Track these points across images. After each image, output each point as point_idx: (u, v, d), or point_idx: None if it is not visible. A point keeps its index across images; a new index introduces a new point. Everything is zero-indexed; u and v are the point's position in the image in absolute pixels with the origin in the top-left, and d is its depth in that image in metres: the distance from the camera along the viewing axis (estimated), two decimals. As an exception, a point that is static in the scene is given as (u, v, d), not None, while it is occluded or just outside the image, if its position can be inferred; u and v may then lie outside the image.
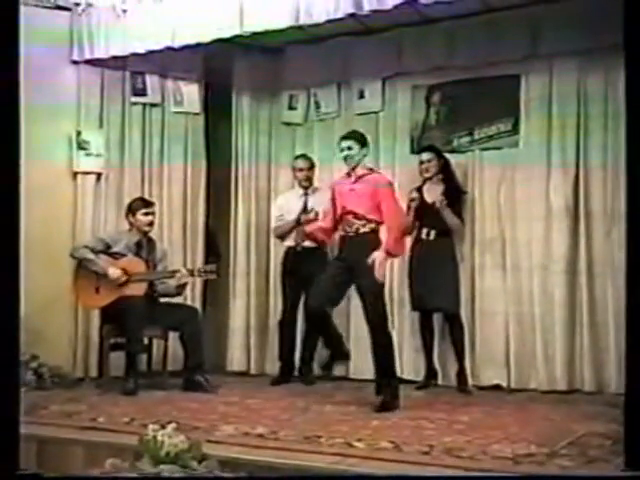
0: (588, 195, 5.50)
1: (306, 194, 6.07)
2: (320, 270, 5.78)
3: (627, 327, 2.71)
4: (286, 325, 6.04)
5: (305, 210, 5.95)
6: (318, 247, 5.87)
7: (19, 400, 2.82)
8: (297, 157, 6.25)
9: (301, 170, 6.09)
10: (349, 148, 4.81)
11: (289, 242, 6.02)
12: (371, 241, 4.72)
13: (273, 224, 6.20)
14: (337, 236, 5.01)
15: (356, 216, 4.73)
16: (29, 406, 4.27)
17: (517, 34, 5.62)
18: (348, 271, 4.74)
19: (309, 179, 6.10)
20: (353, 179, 4.82)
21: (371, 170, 4.93)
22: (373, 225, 4.74)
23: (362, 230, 4.72)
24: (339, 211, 4.83)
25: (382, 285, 4.75)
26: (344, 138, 4.90)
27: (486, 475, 2.92)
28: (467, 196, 5.81)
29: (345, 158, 4.83)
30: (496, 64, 5.78)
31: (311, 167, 6.12)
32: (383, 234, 4.78)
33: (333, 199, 4.94)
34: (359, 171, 4.82)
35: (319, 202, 5.81)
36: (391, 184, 4.92)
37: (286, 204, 6.12)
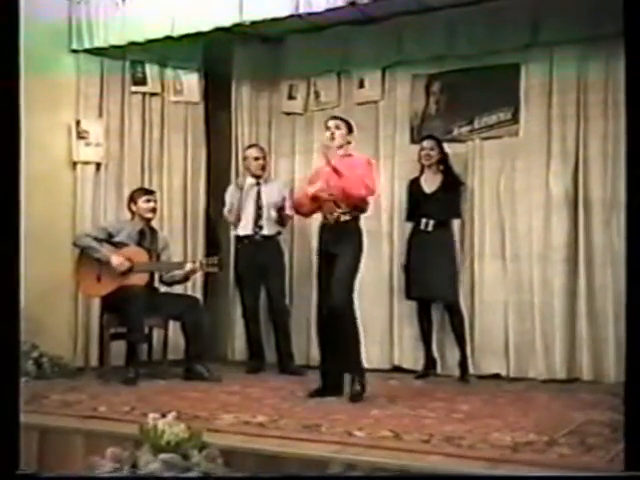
0: (588, 184, 5.50)
1: (258, 183, 6.08)
2: (276, 259, 5.98)
3: (627, 316, 2.71)
4: (250, 317, 6.07)
5: (259, 199, 5.99)
6: (274, 236, 6.00)
7: (19, 399, 2.81)
8: (250, 146, 6.27)
9: (256, 159, 6.10)
10: (337, 127, 4.79)
11: (245, 231, 6.01)
12: (351, 229, 4.67)
13: (225, 213, 6.15)
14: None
15: (336, 203, 4.66)
16: (30, 396, 4.30)
17: (517, 22, 5.61)
18: (329, 260, 4.67)
19: (263, 168, 6.13)
20: (333, 163, 4.71)
21: (350, 155, 4.83)
22: (354, 213, 4.68)
23: (343, 218, 4.66)
24: (321, 196, 4.71)
25: (355, 271, 4.63)
26: (334, 117, 4.94)
27: (490, 474, 2.92)
28: (466, 186, 5.81)
29: (331, 135, 4.77)
30: (496, 53, 5.77)
31: (265, 156, 6.17)
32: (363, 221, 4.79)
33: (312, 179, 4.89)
34: (340, 153, 4.74)
35: (272, 191, 5.99)
36: (370, 163, 4.87)
37: (237, 194, 6.09)
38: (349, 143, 4.85)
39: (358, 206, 4.73)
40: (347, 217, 4.67)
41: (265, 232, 5.98)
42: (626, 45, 2.72)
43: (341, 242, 4.63)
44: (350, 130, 4.87)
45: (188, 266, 5.57)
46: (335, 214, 4.67)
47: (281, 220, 6.02)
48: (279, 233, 6.08)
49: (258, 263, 5.95)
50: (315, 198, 4.77)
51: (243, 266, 6.08)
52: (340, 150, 4.78)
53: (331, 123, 4.84)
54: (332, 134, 4.79)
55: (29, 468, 3.40)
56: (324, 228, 4.79)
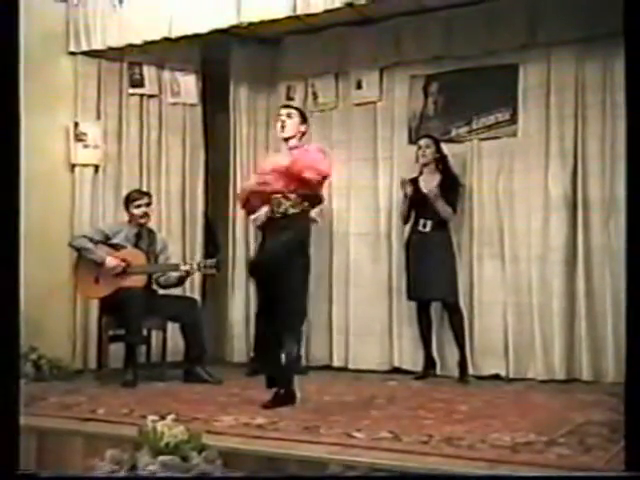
0: (586, 184, 5.50)
1: None
2: None
3: (627, 316, 2.71)
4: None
5: None
6: None
7: (19, 402, 2.81)
8: None
9: None
10: (289, 115, 4.45)
11: None
12: (301, 222, 4.36)
13: (252, 217, 6.13)
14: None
15: (285, 196, 4.30)
16: (28, 398, 4.28)
17: (515, 23, 5.63)
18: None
19: None
20: (283, 154, 4.43)
21: (303, 145, 4.50)
22: (304, 205, 4.34)
23: (291, 211, 4.30)
24: (265, 189, 4.39)
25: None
26: (285, 106, 4.67)
27: (490, 475, 2.92)
28: (465, 187, 5.81)
29: (281, 124, 4.43)
30: (494, 53, 5.78)
31: None
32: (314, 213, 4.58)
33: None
34: (291, 144, 4.43)
35: None
36: (322, 150, 4.60)
37: None
38: (303, 134, 4.50)
39: (309, 197, 4.37)
40: (296, 210, 4.32)
41: None
42: (626, 45, 2.72)
43: (284, 231, 4.29)
44: (304, 120, 4.53)
45: (184, 268, 5.56)
46: (283, 207, 4.32)
47: None
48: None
49: None
50: (259, 192, 4.46)
51: None
52: (292, 140, 4.45)
53: (282, 112, 4.48)
54: (283, 123, 4.43)
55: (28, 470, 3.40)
56: (270, 223, 4.42)
